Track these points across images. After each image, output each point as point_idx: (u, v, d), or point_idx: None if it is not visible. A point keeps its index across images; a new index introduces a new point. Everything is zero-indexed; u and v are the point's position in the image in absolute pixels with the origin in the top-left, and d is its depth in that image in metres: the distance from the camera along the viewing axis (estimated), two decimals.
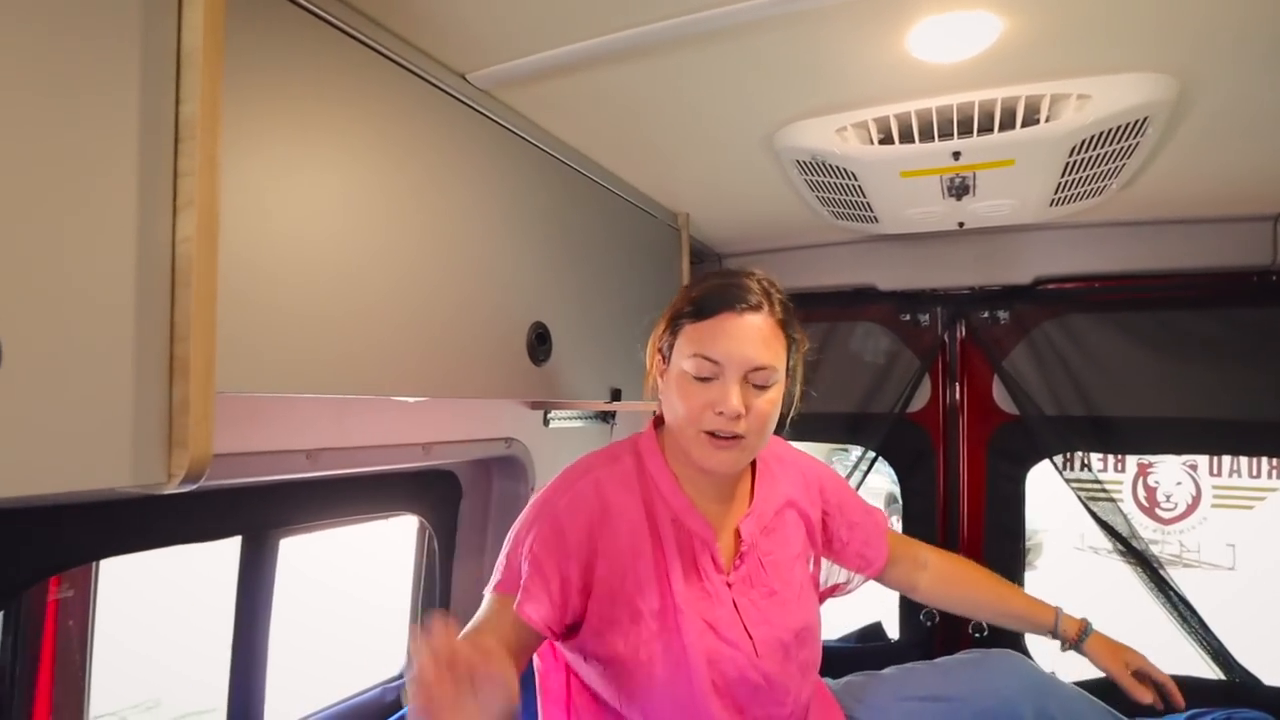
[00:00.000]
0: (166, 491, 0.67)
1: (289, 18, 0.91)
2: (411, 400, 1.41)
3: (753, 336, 1.11)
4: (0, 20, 0.59)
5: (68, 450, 0.60)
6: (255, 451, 1.30)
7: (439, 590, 1.95)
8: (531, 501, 1.20)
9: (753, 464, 1.28)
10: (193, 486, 0.67)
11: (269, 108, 0.87)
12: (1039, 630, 1.43)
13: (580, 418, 2.18)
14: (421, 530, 1.94)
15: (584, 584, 1.14)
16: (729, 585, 1.20)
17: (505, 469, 2.02)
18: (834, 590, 1.42)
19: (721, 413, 1.09)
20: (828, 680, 1.43)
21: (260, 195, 0.85)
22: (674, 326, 1.18)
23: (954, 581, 1.49)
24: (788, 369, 1.18)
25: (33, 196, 0.60)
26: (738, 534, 1.22)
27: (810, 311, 2.15)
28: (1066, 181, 1.48)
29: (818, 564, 1.36)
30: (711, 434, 1.12)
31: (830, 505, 1.36)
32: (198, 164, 0.67)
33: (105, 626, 1.71)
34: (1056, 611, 1.42)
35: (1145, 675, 1.37)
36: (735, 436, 1.11)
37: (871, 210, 1.71)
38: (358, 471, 1.61)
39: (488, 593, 1.15)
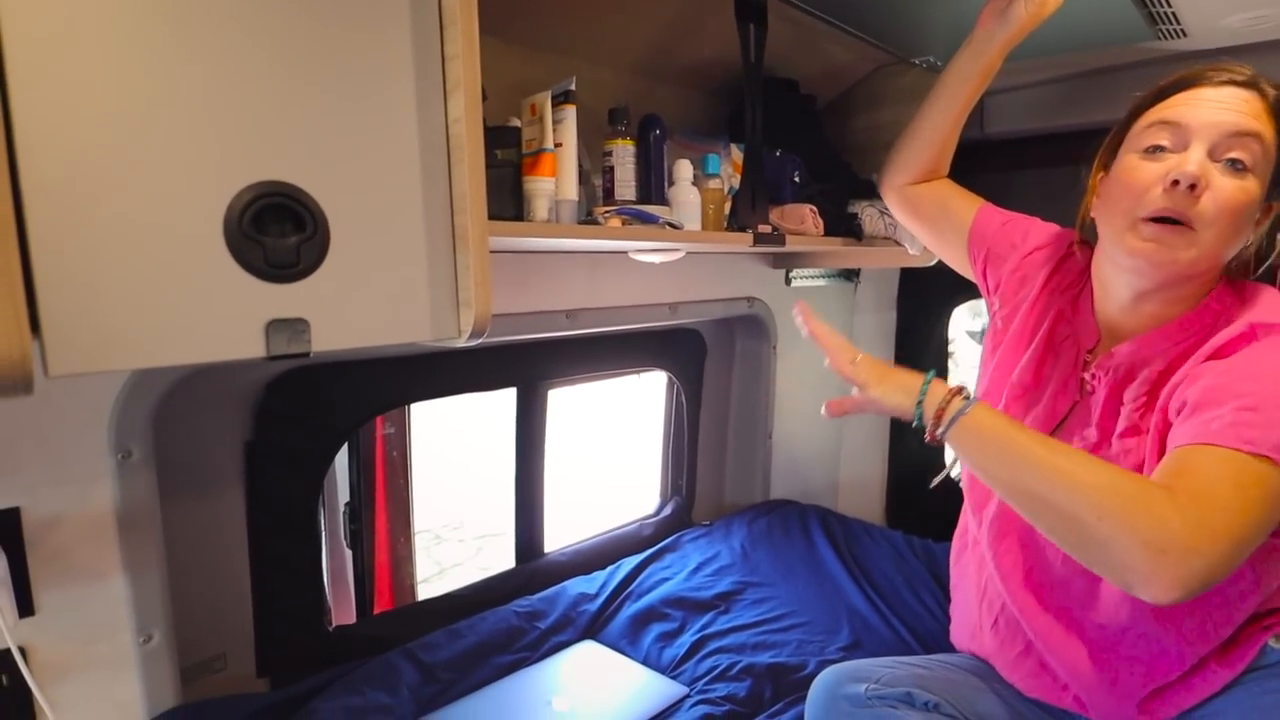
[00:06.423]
0: (459, 345, 0.78)
1: None
2: (658, 261, 1.47)
3: (1233, 103, 0.88)
4: None
5: (383, 311, 0.72)
6: (524, 312, 1.46)
7: (686, 440, 2.08)
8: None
9: (1204, 307, 0.95)
10: (478, 341, 0.78)
11: None
12: None
13: (823, 276, 2.14)
14: (670, 385, 2.07)
15: (994, 271, 1.21)
16: (1074, 401, 1.03)
17: (748, 327, 2.07)
18: None
19: (1176, 182, 0.86)
20: None
21: None
22: (1128, 121, 0.98)
23: None
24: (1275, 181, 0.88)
25: (340, 94, 0.69)
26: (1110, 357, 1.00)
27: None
28: None
29: None
30: (1152, 220, 0.89)
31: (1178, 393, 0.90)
32: (460, 48, 0.73)
33: (417, 460, 2.08)
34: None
35: None
36: (1179, 223, 0.88)
37: (1178, 22, 1.42)
38: (612, 330, 1.74)
39: None
